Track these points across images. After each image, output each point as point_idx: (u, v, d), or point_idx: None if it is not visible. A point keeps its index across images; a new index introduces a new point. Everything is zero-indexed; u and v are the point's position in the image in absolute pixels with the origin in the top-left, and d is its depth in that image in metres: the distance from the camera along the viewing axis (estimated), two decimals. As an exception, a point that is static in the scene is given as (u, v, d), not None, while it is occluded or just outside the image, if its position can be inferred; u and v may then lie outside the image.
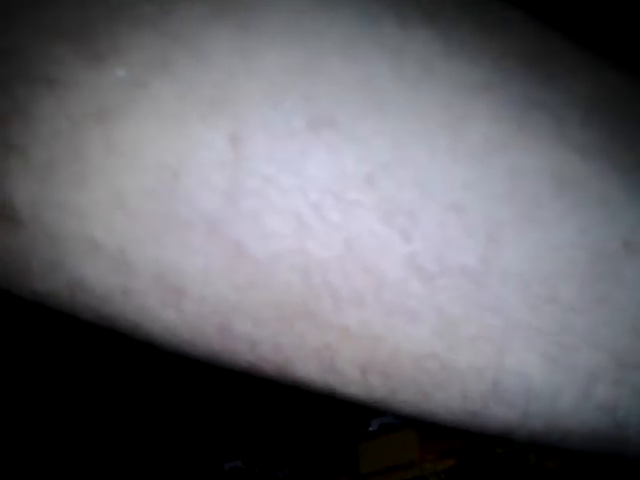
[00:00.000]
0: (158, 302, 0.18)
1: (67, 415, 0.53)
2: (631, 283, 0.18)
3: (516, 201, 0.17)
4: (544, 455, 0.52)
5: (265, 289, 0.17)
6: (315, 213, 0.17)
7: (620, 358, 0.18)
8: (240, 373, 0.19)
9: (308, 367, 0.18)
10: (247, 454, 0.61)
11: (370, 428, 0.62)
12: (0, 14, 0.17)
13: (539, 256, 0.18)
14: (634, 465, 0.20)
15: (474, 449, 0.58)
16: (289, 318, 0.18)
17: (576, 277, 0.18)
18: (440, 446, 0.59)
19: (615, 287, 0.18)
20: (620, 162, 0.18)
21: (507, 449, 0.55)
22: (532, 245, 0.17)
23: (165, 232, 0.17)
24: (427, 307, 0.18)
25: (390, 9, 0.18)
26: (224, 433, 0.60)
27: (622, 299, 0.18)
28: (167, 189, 0.17)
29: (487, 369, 0.18)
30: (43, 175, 0.17)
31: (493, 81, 0.18)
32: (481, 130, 0.17)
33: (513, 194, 0.17)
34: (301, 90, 0.17)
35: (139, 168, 0.17)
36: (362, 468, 0.62)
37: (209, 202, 0.17)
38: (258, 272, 0.17)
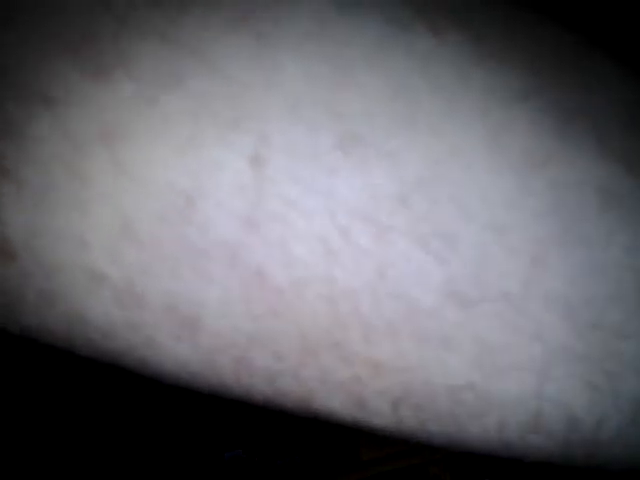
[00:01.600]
0: (169, 336, 0.16)
1: (65, 401, 0.52)
2: None
3: (559, 219, 0.16)
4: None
5: (288, 319, 0.16)
6: (343, 238, 0.15)
7: None
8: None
9: (333, 401, 0.16)
10: (247, 443, 0.60)
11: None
12: None
13: (583, 278, 0.16)
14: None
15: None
16: (313, 350, 0.16)
17: (622, 300, 0.16)
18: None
19: None
20: None
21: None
22: (576, 266, 0.16)
23: (178, 261, 0.15)
24: (464, 335, 0.16)
25: (419, 14, 0.16)
26: (224, 422, 0.59)
27: None
28: (180, 214, 0.15)
29: (527, 399, 0.16)
30: (39, 200, 0.15)
31: (530, 88, 0.16)
32: (521, 142, 0.16)
33: (556, 211, 0.16)
34: (326, 104, 0.15)
35: (149, 192, 0.15)
36: (363, 456, 0.61)
37: (227, 228, 0.15)
38: (280, 301, 0.15)
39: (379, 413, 0.17)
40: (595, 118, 0.16)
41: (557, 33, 0.17)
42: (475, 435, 0.17)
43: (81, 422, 0.53)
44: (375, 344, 0.16)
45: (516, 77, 0.16)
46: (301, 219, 0.15)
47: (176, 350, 0.16)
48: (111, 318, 0.16)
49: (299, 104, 0.15)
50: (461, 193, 0.15)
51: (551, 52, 0.17)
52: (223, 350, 0.16)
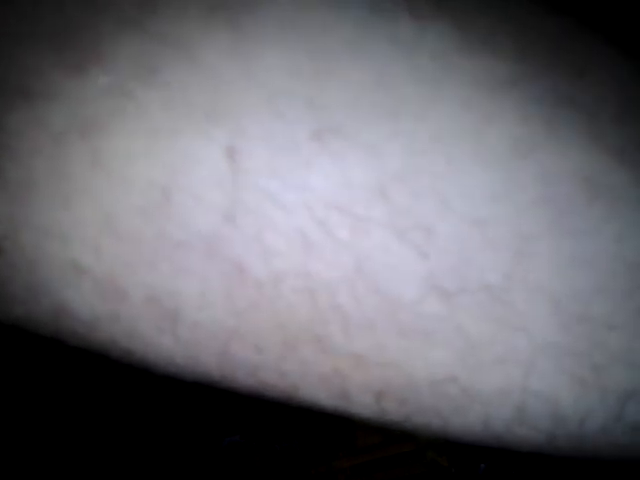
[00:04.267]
0: (151, 328, 0.15)
1: (69, 391, 0.52)
2: None
3: (546, 210, 0.15)
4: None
5: (267, 312, 0.15)
6: (321, 230, 0.15)
7: None
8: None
9: (316, 393, 0.16)
10: (245, 429, 0.60)
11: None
12: None
13: (571, 270, 0.15)
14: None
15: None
16: (293, 343, 0.16)
17: (611, 291, 0.16)
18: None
19: None
20: None
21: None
22: (563, 258, 0.15)
23: (157, 254, 0.15)
24: (446, 328, 0.16)
25: (402, 1, 0.15)
26: (223, 409, 0.59)
27: None
28: (159, 208, 0.15)
29: (511, 393, 0.16)
30: (21, 195, 0.15)
31: (518, 76, 0.15)
32: (506, 132, 0.15)
33: (542, 203, 0.15)
34: (305, 96, 0.15)
35: (127, 186, 0.14)
36: (359, 441, 0.61)
37: (205, 221, 0.15)
38: (260, 295, 0.15)
39: (363, 405, 0.16)
40: (585, 106, 0.16)
41: (545, 17, 0.17)
42: (460, 427, 0.17)
43: (81, 410, 0.53)
44: (355, 337, 0.15)
45: (503, 65, 0.15)
46: (278, 212, 0.15)
47: (159, 342, 0.16)
48: (94, 310, 0.15)
49: (276, 95, 0.14)
50: (442, 185, 0.15)
51: (539, 38, 0.16)
52: (205, 343, 0.16)
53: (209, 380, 0.17)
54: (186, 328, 0.15)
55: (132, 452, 0.55)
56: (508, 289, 0.15)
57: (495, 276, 0.15)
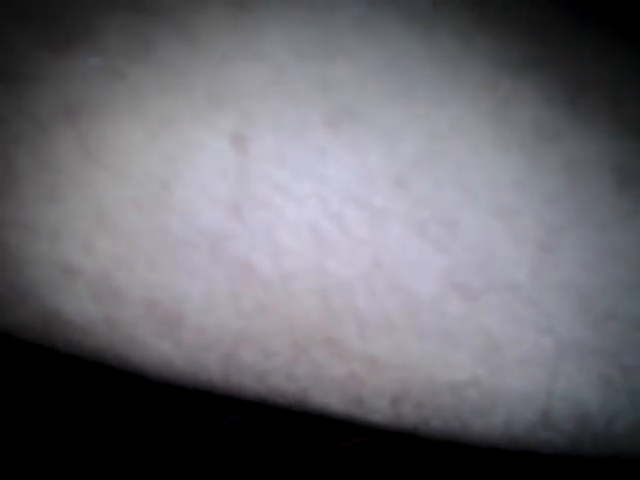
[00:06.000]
0: (150, 333, 0.14)
1: (69, 378, 0.51)
2: None
3: (572, 201, 0.14)
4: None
5: (277, 315, 0.14)
6: (336, 225, 0.14)
7: None
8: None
9: (329, 399, 0.15)
10: (246, 408, 0.60)
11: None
12: None
13: (599, 264, 0.14)
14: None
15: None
16: (305, 346, 0.14)
17: None
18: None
19: None
20: None
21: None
22: (591, 252, 0.14)
23: (157, 253, 0.13)
24: (468, 329, 0.14)
25: None
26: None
27: None
28: (157, 202, 0.13)
29: (536, 396, 0.15)
30: (4, 188, 0.13)
31: (542, 56, 0.14)
32: (531, 116, 0.14)
33: (569, 192, 0.14)
34: (315, 76, 0.13)
35: (121, 177, 0.13)
36: (360, 421, 0.60)
37: (209, 216, 0.13)
38: (269, 295, 0.14)
39: (378, 410, 0.15)
40: (611, 89, 0.15)
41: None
42: (480, 431, 0.16)
43: (82, 390, 0.52)
44: (371, 339, 0.14)
45: (523, 45, 0.14)
46: (289, 205, 0.13)
47: (158, 348, 0.14)
48: (88, 314, 0.14)
49: (284, 76, 0.13)
50: (464, 173, 0.14)
51: (566, 16, 0.15)
52: (209, 348, 0.14)
53: (213, 386, 0.15)
54: (189, 333, 0.14)
55: (131, 431, 0.55)
56: (533, 286, 0.14)
57: (520, 272, 0.14)
